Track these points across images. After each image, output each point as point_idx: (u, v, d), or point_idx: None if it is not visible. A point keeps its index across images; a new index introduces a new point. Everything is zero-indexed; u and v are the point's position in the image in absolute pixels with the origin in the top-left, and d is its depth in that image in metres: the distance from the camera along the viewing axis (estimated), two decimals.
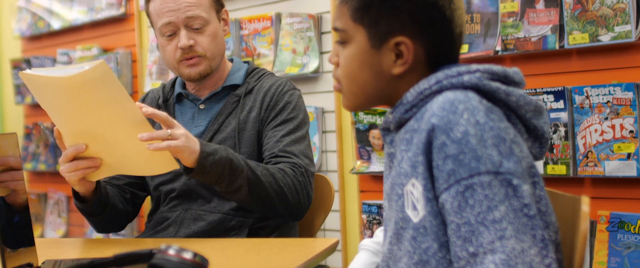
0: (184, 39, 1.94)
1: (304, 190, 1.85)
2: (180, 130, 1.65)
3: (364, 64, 1.26)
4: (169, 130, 1.62)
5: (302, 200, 1.84)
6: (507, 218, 1.07)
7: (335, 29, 1.30)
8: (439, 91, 1.19)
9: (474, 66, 1.21)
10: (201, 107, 2.03)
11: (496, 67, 1.21)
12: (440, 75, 1.21)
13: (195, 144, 1.67)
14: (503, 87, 1.19)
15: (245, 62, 2.14)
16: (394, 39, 1.23)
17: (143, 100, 2.16)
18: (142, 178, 2.09)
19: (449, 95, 1.15)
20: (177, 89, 2.09)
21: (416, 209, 1.17)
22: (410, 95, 1.22)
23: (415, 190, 1.17)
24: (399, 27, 1.22)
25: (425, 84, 1.21)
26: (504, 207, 1.08)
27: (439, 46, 1.25)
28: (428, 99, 1.20)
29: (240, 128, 1.96)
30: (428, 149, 1.15)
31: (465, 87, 1.18)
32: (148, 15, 2.05)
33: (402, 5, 1.22)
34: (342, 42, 1.29)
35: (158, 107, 2.09)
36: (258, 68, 2.11)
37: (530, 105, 1.20)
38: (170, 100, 2.10)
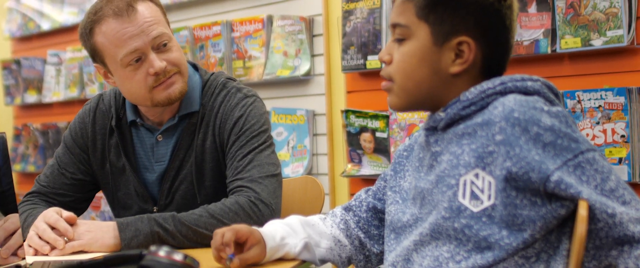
0: (157, 62, 1.73)
1: (261, 212, 1.70)
2: (81, 231, 1.62)
3: (423, 61, 1.30)
4: (63, 239, 1.59)
5: (261, 219, 1.66)
6: (620, 184, 1.20)
7: (395, 25, 1.33)
8: (502, 92, 1.26)
9: (535, 76, 1.29)
10: (159, 139, 1.85)
11: (549, 82, 1.30)
12: (504, 77, 1.28)
13: (109, 234, 1.62)
14: (556, 100, 1.28)
15: (195, 69, 1.92)
16: (457, 38, 1.28)
17: (95, 108, 1.92)
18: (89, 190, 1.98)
19: (518, 96, 1.23)
20: (129, 116, 1.87)
21: (478, 199, 1.21)
22: (471, 93, 1.28)
23: (479, 180, 1.22)
24: (463, 28, 1.28)
25: (488, 84, 1.28)
26: (613, 175, 1.20)
27: (495, 52, 1.31)
28: (489, 98, 1.26)
29: (198, 161, 1.82)
30: (508, 142, 1.20)
31: (528, 92, 1.26)
32: (94, 49, 1.78)
33: (468, 7, 1.28)
34: (401, 39, 1.32)
35: (110, 130, 1.89)
36: (210, 80, 1.89)
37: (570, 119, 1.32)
38: (124, 121, 1.88)
